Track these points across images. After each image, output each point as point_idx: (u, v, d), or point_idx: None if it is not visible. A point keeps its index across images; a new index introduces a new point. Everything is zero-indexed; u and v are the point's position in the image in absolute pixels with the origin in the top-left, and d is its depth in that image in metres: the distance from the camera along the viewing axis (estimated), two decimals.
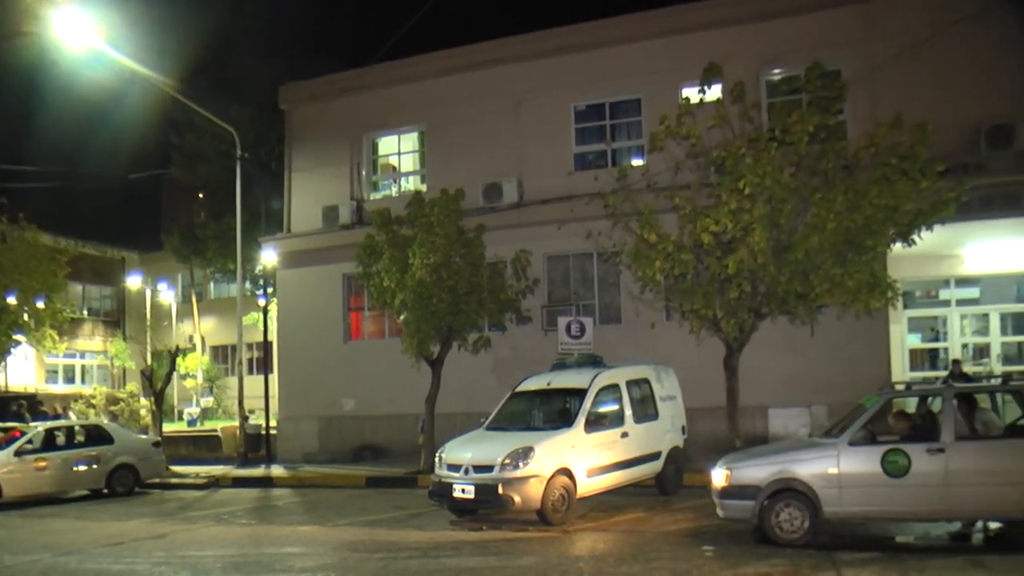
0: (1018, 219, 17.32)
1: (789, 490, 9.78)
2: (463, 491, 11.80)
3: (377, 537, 11.53)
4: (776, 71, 18.67)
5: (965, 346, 21.19)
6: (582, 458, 12.14)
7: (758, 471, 10.01)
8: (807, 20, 18.47)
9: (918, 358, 21.65)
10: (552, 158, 20.34)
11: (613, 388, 13.35)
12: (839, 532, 10.42)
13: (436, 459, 12.74)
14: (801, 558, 9.08)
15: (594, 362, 14.32)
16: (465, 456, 12.10)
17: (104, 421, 23.72)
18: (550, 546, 10.39)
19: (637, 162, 19.61)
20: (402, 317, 17.23)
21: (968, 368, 18.70)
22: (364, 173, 23.02)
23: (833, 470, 9.71)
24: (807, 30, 18.27)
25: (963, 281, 21.13)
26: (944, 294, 21.34)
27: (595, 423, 12.59)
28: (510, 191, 20.28)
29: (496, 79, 21.19)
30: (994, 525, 10.44)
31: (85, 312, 43.60)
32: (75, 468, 17.57)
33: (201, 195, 36.49)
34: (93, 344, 43.81)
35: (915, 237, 13.53)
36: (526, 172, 20.45)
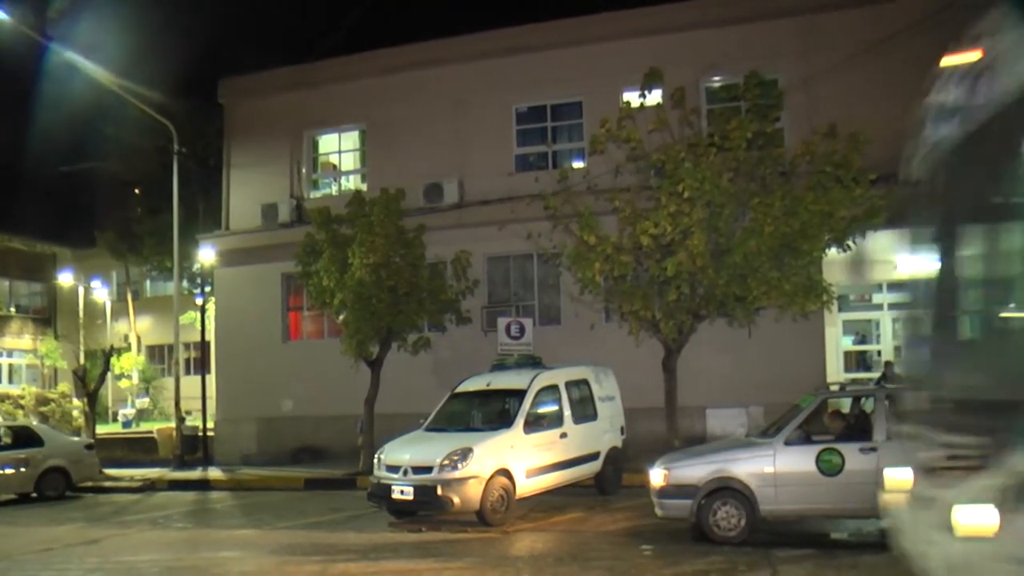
0: None
1: (726, 489, 9.92)
2: (402, 492, 11.72)
3: (315, 540, 11.40)
4: (716, 78, 18.92)
5: (897, 348, 21.73)
6: (521, 459, 12.16)
7: (696, 470, 10.13)
8: (746, 30, 18.79)
9: (852, 360, 22.22)
10: (493, 159, 20.35)
11: (552, 389, 13.39)
12: (775, 529, 10.57)
13: (375, 460, 12.63)
14: (738, 555, 9.21)
15: (533, 363, 14.34)
16: (404, 457, 12.04)
17: (33, 422, 23.12)
18: (489, 547, 10.40)
19: (578, 164, 19.70)
20: (341, 317, 17.09)
21: (900, 369, 19.18)
22: (304, 171, 22.71)
23: (769, 469, 9.88)
24: (746, 39, 18.59)
25: (895, 285, 21.73)
26: (877, 298, 21.98)
27: (534, 424, 12.63)
28: (451, 191, 20.21)
29: (438, 79, 21.09)
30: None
31: (13, 309, 42.37)
32: (2, 471, 16.98)
33: (137, 190, 35.62)
34: (22, 343, 42.48)
35: (849, 242, 13.87)
36: (467, 173, 20.40)
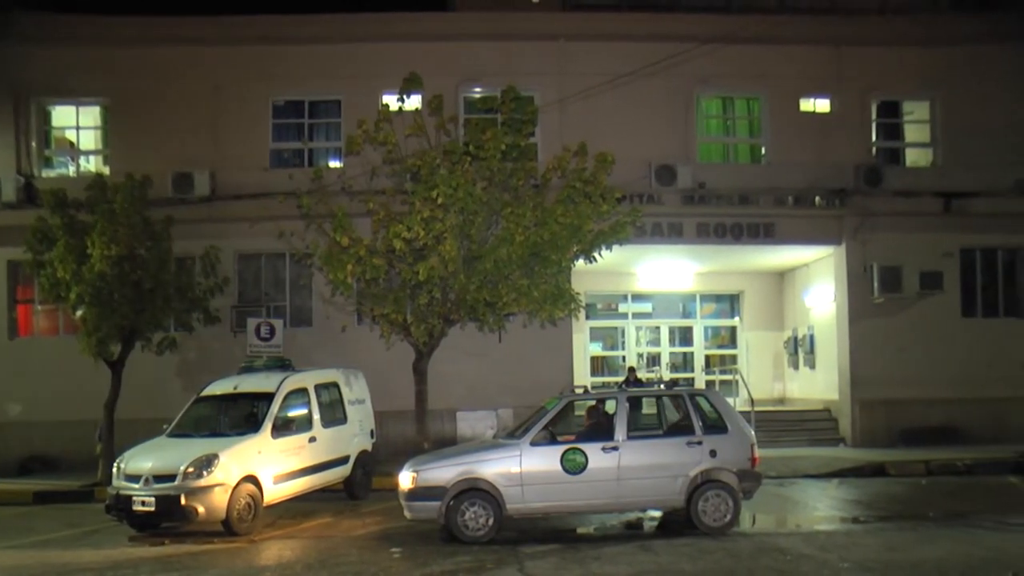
0: (682, 245, 19.75)
1: (474, 489, 10.23)
2: (143, 503, 11.10)
3: (47, 559, 10.42)
4: (476, 89, 19.55)
5: (640, 355, 23.49)
6: (269, 464, 11.92)
7: (444, 472, 10.38)
8: (507, 47, 19.51)
9: (599, 364, 23.68)
10: (248, 152, 19.56)
11: (301, 392, 13.23)
12: (522, 527, 11.06)
13: (114, 470, 11.85)
14: (486, 554, 9.54)
15: (283, 366, 14.09)
16: (145, 466, 11.43)
17: None
18: (236, 557, 10.12)
19: (334, 164, 19.53)
20: (79, 313, 15.85)
21: (642, 374, 20.76)
22: (34, 145, 20.36)
23: (515, 469, 10.31)
24: (506, 55, 19.32)
25: (638, 297, 23.66)
26: (622, 307, 23.67)
27: (282, 428, 12.40)
28: (202, 183, 19.03)
29: (192, 59, 19.78)
30: (658, 513, 11.68)
31: None
32: None
33: None
34: None
35: (596, 255, 14.77)
36: (220, 164, 19.33)
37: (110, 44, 19.87)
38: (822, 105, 20.63)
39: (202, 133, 19.59)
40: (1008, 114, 20.30)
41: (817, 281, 21.62)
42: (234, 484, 11.22)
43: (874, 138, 21.00)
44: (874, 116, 20.98)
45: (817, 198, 19.74)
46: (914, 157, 21.54)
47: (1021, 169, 20.10)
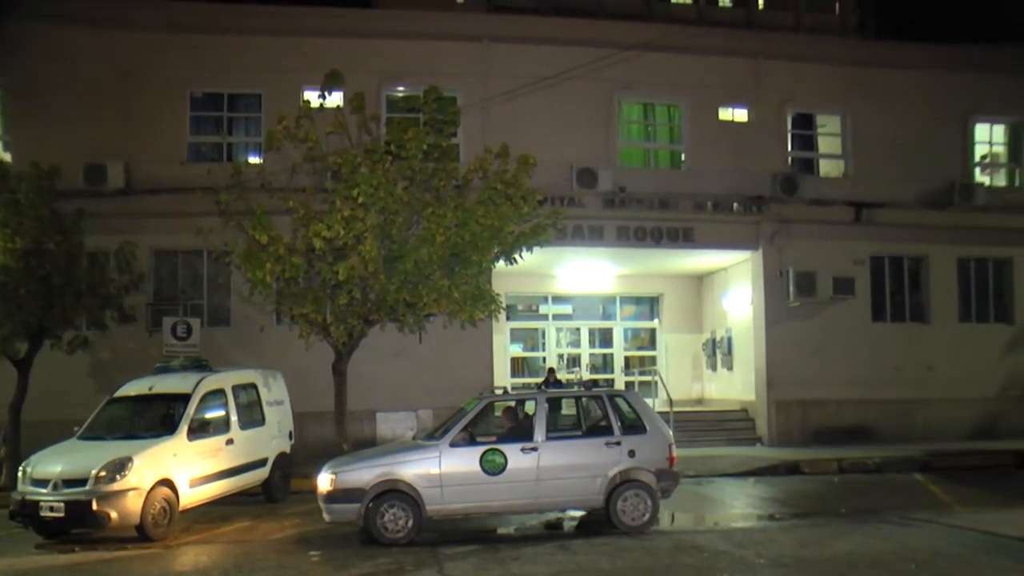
0: (602, 248, 19.99)
1: (394, 491, 10.17)
2: (52, 509, 10.69)
3: None
4: (399, 88, 19.44)
5: (561, 356, 23.69)
6: (185, 468, 11.64)
7: (363, 474, 10.30)
8: (430, 46, 19.43)
9: (519, 365, 23.79)
10: (165, 145, 18.94)
11: (219, 393, 12.96)
12: (443, 528, 11.04)
13: (20, 474, 11.41)
14: (406, 555, 9.50)
15: (200, 366, 13.78)
16: (54, 470, 11.03)
17: None
18: (150, 564, 9.84)
19: (254, 160, 19.17)
20: None
21: (561, 375, 20.94)
22: None
23: (435, 470, 10.28)
24: (429, 55, 19.26)
25: (559, 298, 23.85)
26: (543, 309, 23.81)
27: (199, 430, 12.10)
28: (116, 175, 18.24)
29: (105, 42, 18.92)
30: (578, 513, 11.77)
31: None
32: None
33: None
34: None
35: (517, 256, 14.80)
36: (135, 156, 18.55)
37: (5, 17, 18.58)
38: (740, 115, 21.18)
39: (116, 123, 18.83)
40: (912, 131, 21.32)
41: (735, 285, 22.10)
42: (148, 488, 10.91)
43: (790, 148, 21.65)
44: (790, 127, 21.65)
45: (735, 204, 20.22)
46: (827, 168, 22.33)
47: (925, 183, 21.14)
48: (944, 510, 12.08)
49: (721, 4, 25.66)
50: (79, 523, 10.89)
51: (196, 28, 19.27)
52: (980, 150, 22.89)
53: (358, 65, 17.14)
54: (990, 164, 23.04)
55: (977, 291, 22.03)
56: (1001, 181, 23.14)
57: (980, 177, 22.66)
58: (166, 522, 11.15)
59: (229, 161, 18.32)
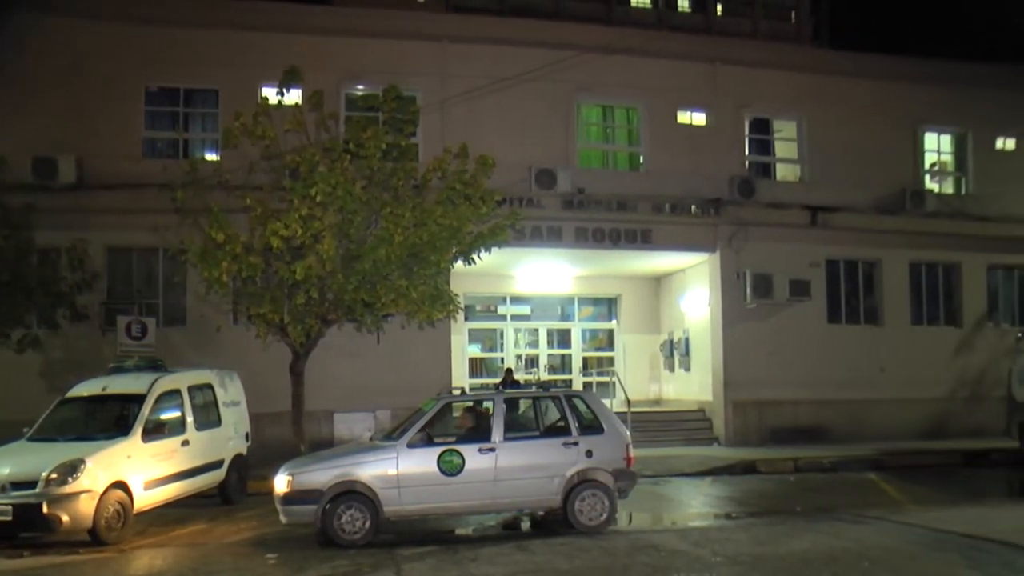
0: (560, 249, 20.09)
1: (351, 492, 10.11)
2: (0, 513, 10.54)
3: None
4: (359, 87, 19.26)
5: (519, 356, 23.73)
6: (139, 470, 11.42)
7: (320, 475, 10.22)
8: (390, 45, 19.34)
9: (477, 366, 23.78)
10: (119, 139, 18.54)
11: (174, 394, 12.74)
12: (400, 529, 10.98)
13: None
14: (363, 557, 9.44)
15: (155, 366, 13.54)
16: (2, 472, 10.69)
17: None
18: (104, 568, 9.64)
19: (211, 157, 18.94)
20: None
21: (519, 376, 20.99)
22: None
23: (392, 471, 10.23)
24: (389, 54, 19.17)
25: (517, 299, 23.90)
26: (501, 309, 23.83)
27: (154, 431, 11.88)
28: (67, 169, 17.68)
29: (54, 29, 18.33)
30: (537, 513, 11.74)
31: None
32: None
33: None
34: None
35: (475, 257, 14.81)
36: (88, 150, 18.04)
37: None
38: (698, 118, 21.42)
39: (67, 115, 18.22)
40: (866, 138, 21.83)
41: (692, 286, 22.30)
42: (102, 491, 10.67)
43: (747, 152, 21.95)
44: (747, 131, 21.97)
45: (693, 207, 20.40)
46: (784, 172, 22.68)
47: (878, 188, 21.65)
48: (896, 508, 12.31)
49: (680, 9, 26.02)
50: (29, 527, 10.58)
51: (151, 20, 18.83)
52: (930, 158, 23.60)
53: (317, 62, 17.04)
54: (939, 172, 23.71)
55: (928, 295, 22.56)
56: (949, 189, 23.76)
57: (930, 184, 23.26)
58: (120, 525, 10.92)
59: (185, 158, 17.98)
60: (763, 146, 22.51)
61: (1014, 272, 23.43)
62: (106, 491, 10.73)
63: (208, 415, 13.45)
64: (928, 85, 22.66)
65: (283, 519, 10.38)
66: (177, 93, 19.51)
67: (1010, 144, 23.71)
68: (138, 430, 11.63)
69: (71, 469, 10.55)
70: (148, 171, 17.14)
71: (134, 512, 11.24)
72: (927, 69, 22.86)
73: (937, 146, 23.59)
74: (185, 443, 12.51)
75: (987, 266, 22.95)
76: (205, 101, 19.64)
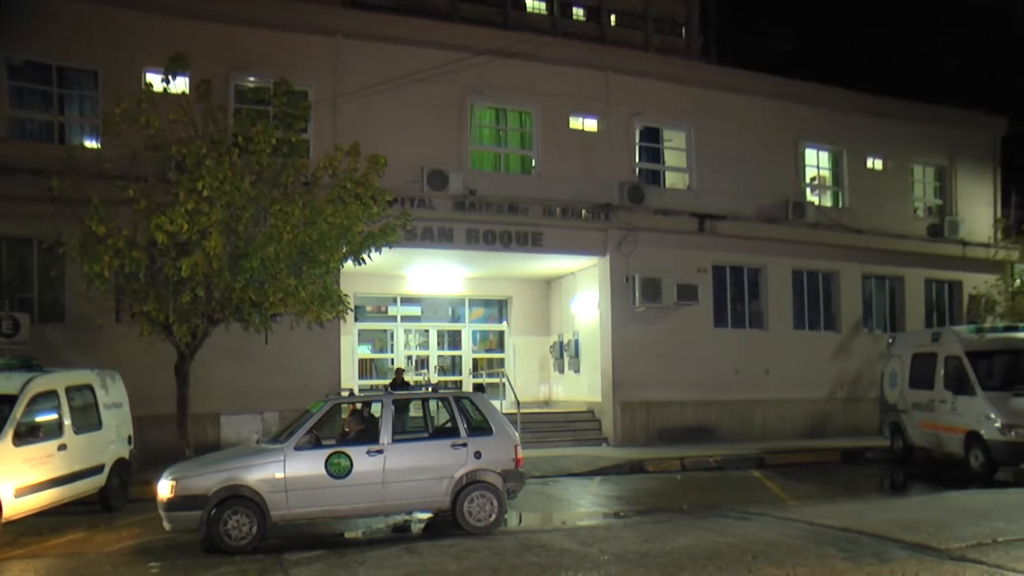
0: (452, 251, 20.13)
1: (237, 497, 9.92)
2: None
3: None
4: (249, 79, 18.53)
5: (409, 357, 23.61)
6: (11, 476, 10.84)
7: (206, 480, 9.99)
8: (282, 37, 18.83)
9: (367, 367, 23.56)
10: None
11: (50, 395, 12.13)
12: (288, 534, 10.83)
13: None
14: (250, 563, 9.24)
15: (28, 365, 12.89)
16: None
17: None
18: None
19: (90, 144, 18.07)
20: None
21: (410, 377, 20.87)
22: None
23: (279, 474, 10.08)
24: (281, 46, 18.66)
25: (407, 300, 23.79)
26: (392, 310, 23.67)
27: (27, 435, 11.30)
28: None
29: None
30: (426, 515, 11.82)
31: None
32: None
33: None
34: None
35: (365, 256, 14.69)
36: None
37: None
38: (590, 124, 21.76)
39: None
40: (751, 150, 22.82)
41: (583, 289, 22.63)
42: None
43: (637, 159, 22.45)
44: (637, 139, 22.50)
45: (584, 211, 20.72)
46: (673, 180, 23.29)
47: (762, 198, 22.64)
48: (778, 504, 12.79)
49: (575, 17, 26.39)
50: None
51: None
52: (810, 172, 24.83)
53: (205, 50, 16.60)
54: (818, 186, 24.93)
55: (809, 301, 23.65)
56: (828, 201, 24.95)
57: (811, 196, 24.37)
58: None
59: (62, 143, 17.21)
60: (653, 154, 23.07)
61: (885, 281, 24.86)
62: None
63: (88, 418, 12.89)
64: (808, 105, 23.95)
65: (167, 526, 10.08)
66: (49, 70, 17.87)
67: (878, 164, 25.30)
68: (9, 433, 11.03)
69: None
70: (16, 154, 16.19)
71: (3, 521, 10.65)
72: (807, 91, 24.09)
73: (816, 161, 24.83)
74: (62, 447, 11.95)
75: (862, 275, 24.22)
76: (83, 82, 18.23)
